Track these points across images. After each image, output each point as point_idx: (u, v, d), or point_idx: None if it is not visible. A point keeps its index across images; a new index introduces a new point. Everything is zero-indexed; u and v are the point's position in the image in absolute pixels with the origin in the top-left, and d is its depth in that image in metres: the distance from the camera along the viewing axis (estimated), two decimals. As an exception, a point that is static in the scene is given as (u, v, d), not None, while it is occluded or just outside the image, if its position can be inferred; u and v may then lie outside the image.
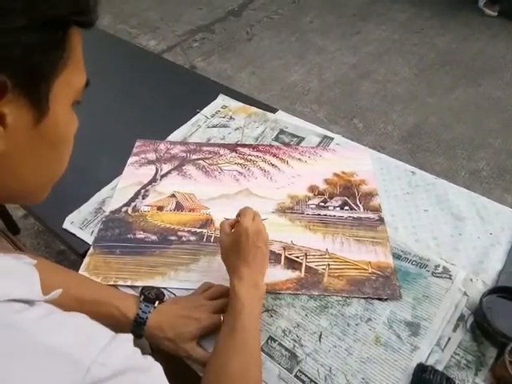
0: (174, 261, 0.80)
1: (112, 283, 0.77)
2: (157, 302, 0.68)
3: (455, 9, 3.23)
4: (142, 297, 0.69)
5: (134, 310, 0.66)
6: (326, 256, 0.80)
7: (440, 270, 0.76)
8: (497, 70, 2.68)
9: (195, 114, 1.15)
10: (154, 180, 0.97)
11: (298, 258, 0.80)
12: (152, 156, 1.03)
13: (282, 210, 0.89)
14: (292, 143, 1.05)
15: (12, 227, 1.83)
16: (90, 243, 0.84)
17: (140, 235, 0.85)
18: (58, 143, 0.41)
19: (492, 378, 0.63)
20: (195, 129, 1.11)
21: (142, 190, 0.95)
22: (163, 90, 1.25)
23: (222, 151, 1.03)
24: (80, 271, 0.79)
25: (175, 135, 1.09)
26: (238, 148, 1.04)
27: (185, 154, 1.03)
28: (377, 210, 0.88)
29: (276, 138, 1.07)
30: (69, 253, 1.62)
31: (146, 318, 0.66)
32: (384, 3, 3.37)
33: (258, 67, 2.82)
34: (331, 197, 0.91)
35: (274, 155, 1.02)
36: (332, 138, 1.06)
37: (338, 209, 0.89)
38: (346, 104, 2.50)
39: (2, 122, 0.34)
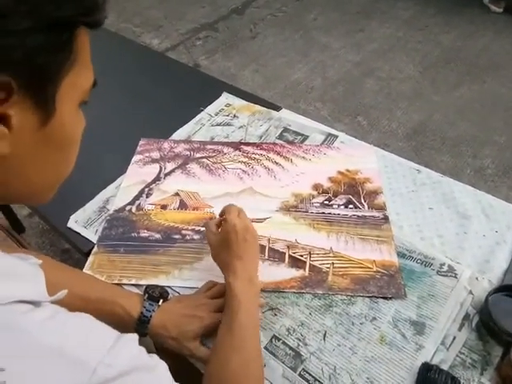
0: (177, 259, 0.80)
1: (116, 282, 0.77)
2: (161, 301, 0.69)
3: (460, 5, 3.21)
4: (146, 295, 0.69)
5: (138, 309, 0.66)
6: (331, 254, 0.80)
7: (445, 268, 0.76)
8: (502, 66, 2.66)
9: (199, 113, 1.15)
10: (157, 178, 0.97)
11: (302, 256, 0.80)
12: (156, 154, 1.03)
13: (286, 209, 0.89)
14: (296, 141, 1.05)
15: (17, 226, 1.83)
16: (95, 242, 0.84)
17: (144, 234, 0.85)
18: (65, 144, 0.40)
19: (498, 377, 0.62)
20: (199, 127, 1.11)
21: (146, 189, 0.95)
22: (167, 88, 1.25)
23: (225, 149, 1.03)
24: (84, 270, 0.79)
25: (179, 134, 1.09)
26: (242, 146, 1.04)
27: (188, 153, 1.03)
28: (381, 208, 0.87)
29: (280, 136, 1.07)
30: (73, 251, 1.63)
31: (150, 316, 0.66)
32: (388, 1, 3.35)
33: (261, 65, 2.82)
34: (335, 195, 0.91)
35: (278, 153, 1.01)
36: (336, 136, 1.05)
37: (342, 207, 0.88)
38: (350, 102, 2.49)
39: (8, 124, 0.34)
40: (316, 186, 0.93)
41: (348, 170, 0.96)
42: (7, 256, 0.37)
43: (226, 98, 1.19)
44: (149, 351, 0.40)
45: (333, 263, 0.78)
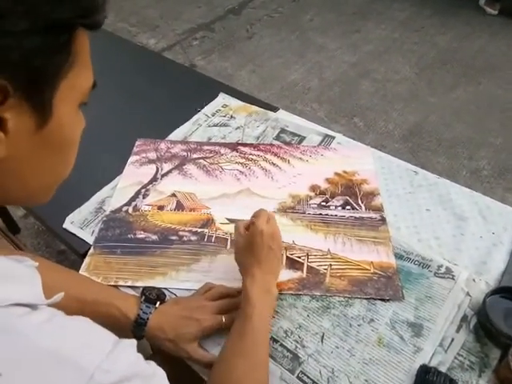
0: (174, 261, 0.80)
1: (112, 283, 0.76)
2: (158, 303, 0.68)
3: (456, 7, 3.22)
4: (143, 297, 0.68)
5: (134, 311, 0.66)
6: (328, 256, 0.79)
7: (443, 270, 0.76)
8: (497, 68, 2.67)
9: (196, 113, 1.14)
10: (154, 179, 0.97)
11: (299, 258, 0.79)
12: (152, 155, 1.02)
13: (284, 210, 0.89)
14: (293, 142, 1.05)
15: (12, 227, 1.82)
16: (91, 243, 0.84)
17: (141, 235, 0.85)
18: (64, 146, 0.40)
19: (496, 379, 0.62)
20: (196, 128, 1.10)
21: (143, 190, 0.94)
22: (163, 88, 1.24)
23: (222, 150, 1.03)
24: (80, 271, 0.79)
25: (176, 134, 1.09)
26: (239, 147, 1.03)
27: (185, 153, 1.02)
28: (379, 209, 0.87)
29: (277, 137, 1.06)
30: (69, 253, 1.61)
31: (147, 318, 0.65)
32: (384, 2, 3.35)
33: (258, 66, 2.82)
34: (333, 196, 0.91)
35: (275, 154, 1.01)
36: (333, 137, 1.05)
37: (339, 208, 0.88)
38: (347, 103, 2.49)
39: (3, 128, 0.33)
40: (313, 187, 0.93)
41: (345, 172, 0.96)
42: (3, 258, 0.37)
43: (222, 98, 1.19)
44: (145, 354, 0.40)
45: (330, 265, 0.78)
